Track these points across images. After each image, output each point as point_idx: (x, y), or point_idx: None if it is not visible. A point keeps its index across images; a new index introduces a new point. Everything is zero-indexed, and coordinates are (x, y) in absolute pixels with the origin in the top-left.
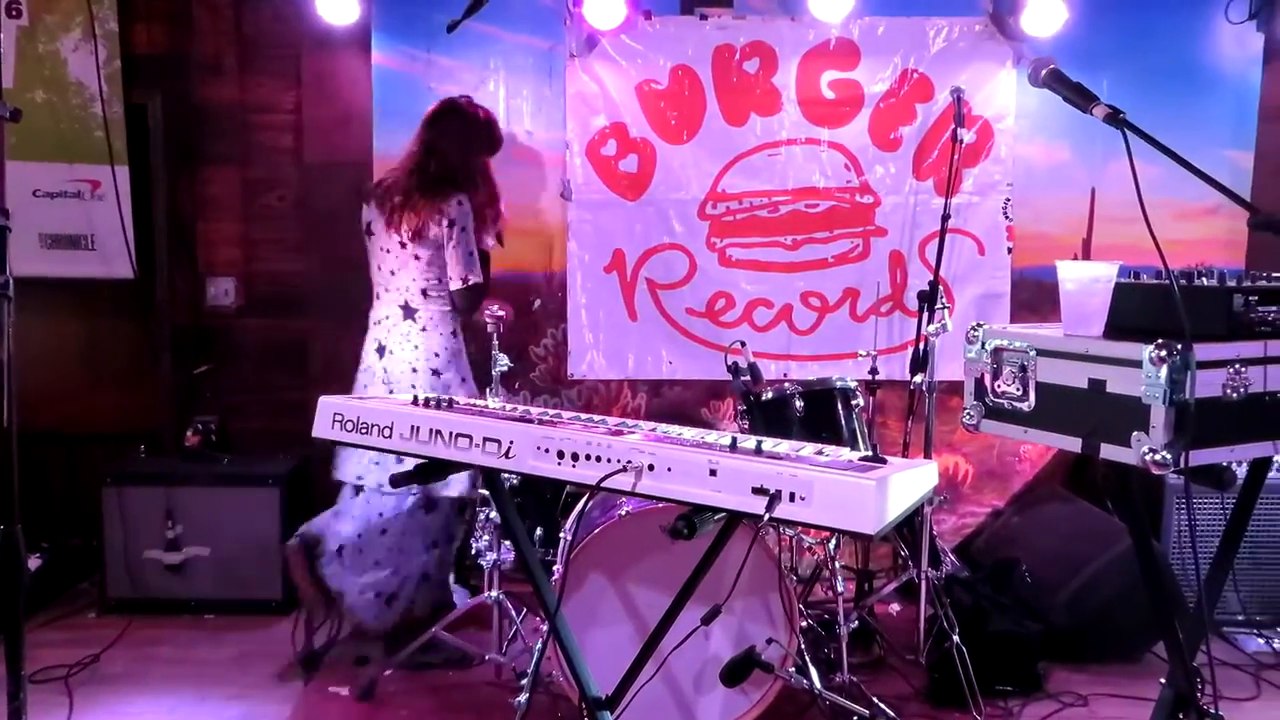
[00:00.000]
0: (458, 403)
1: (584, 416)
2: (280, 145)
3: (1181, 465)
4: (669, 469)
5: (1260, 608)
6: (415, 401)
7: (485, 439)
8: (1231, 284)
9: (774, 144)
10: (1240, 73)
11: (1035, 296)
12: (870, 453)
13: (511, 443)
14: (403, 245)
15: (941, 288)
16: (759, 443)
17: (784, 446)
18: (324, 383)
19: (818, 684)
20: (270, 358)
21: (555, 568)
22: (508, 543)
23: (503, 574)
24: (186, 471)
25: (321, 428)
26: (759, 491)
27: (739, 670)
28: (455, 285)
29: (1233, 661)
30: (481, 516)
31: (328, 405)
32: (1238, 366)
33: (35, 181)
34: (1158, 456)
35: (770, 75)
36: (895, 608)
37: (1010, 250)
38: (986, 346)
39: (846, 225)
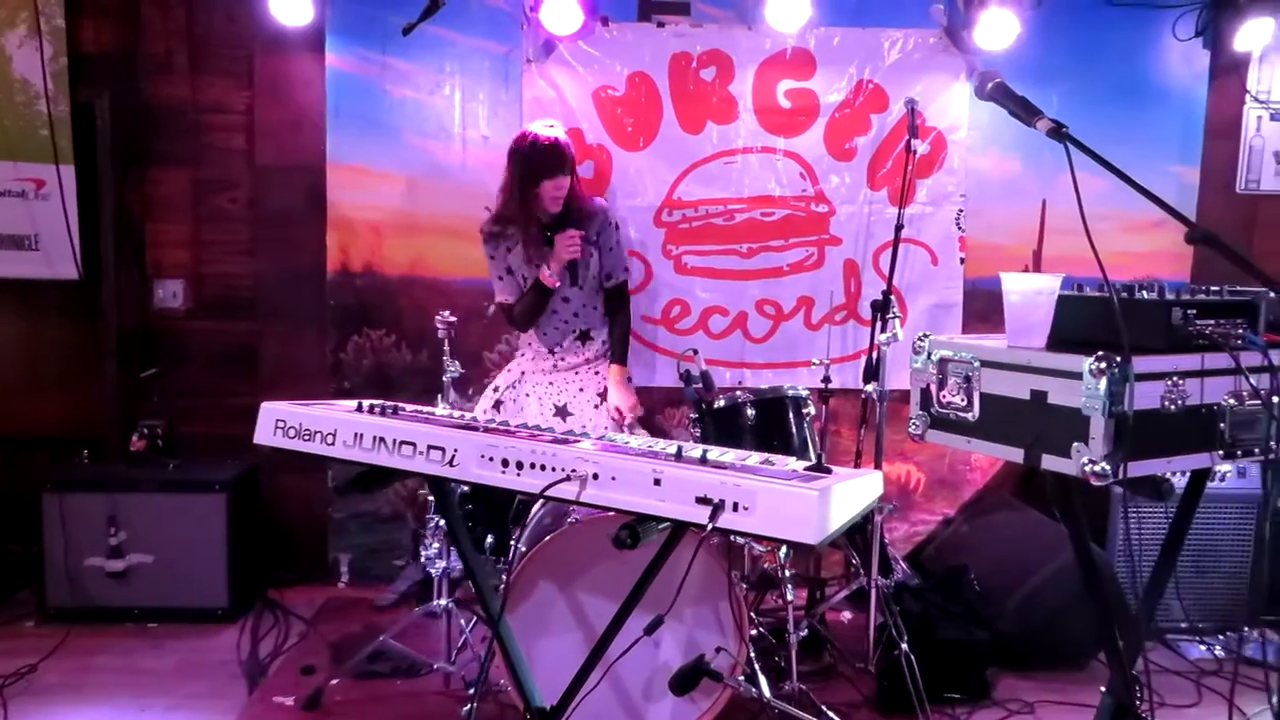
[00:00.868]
0: (404, 409)
1: (532, 424)
2: (232, 146)
3: (1120, 476)
4: (613, 478)
5: (1203, 615)
6: (359, 408)
7: (429, 447)
8: (1171, 297)
9: (730, 152)
10: (1186, 89)
11: (987, 307)
12: (815, 462)
13: (456, 451)
14: None
15: (895, 297)
16: (704, 452)
17: (730, 456)
18: (274, 387)
19: (767, 692)
20: (219, 361)
21: (504, 576)
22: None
23: (453, 582)
24: (131, 477)
25: (263, 434)
26: (703, 501)
27: (688, 679)
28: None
29: (1175, 669)
30: (431, 524)
31: (270, 411)
32: (1176, 379)
33: None
34: (1097, 467)
35: (727, 83)
36: (847, 615)
37: (963, 260)
38: (932, 357)
39: (801, 234)
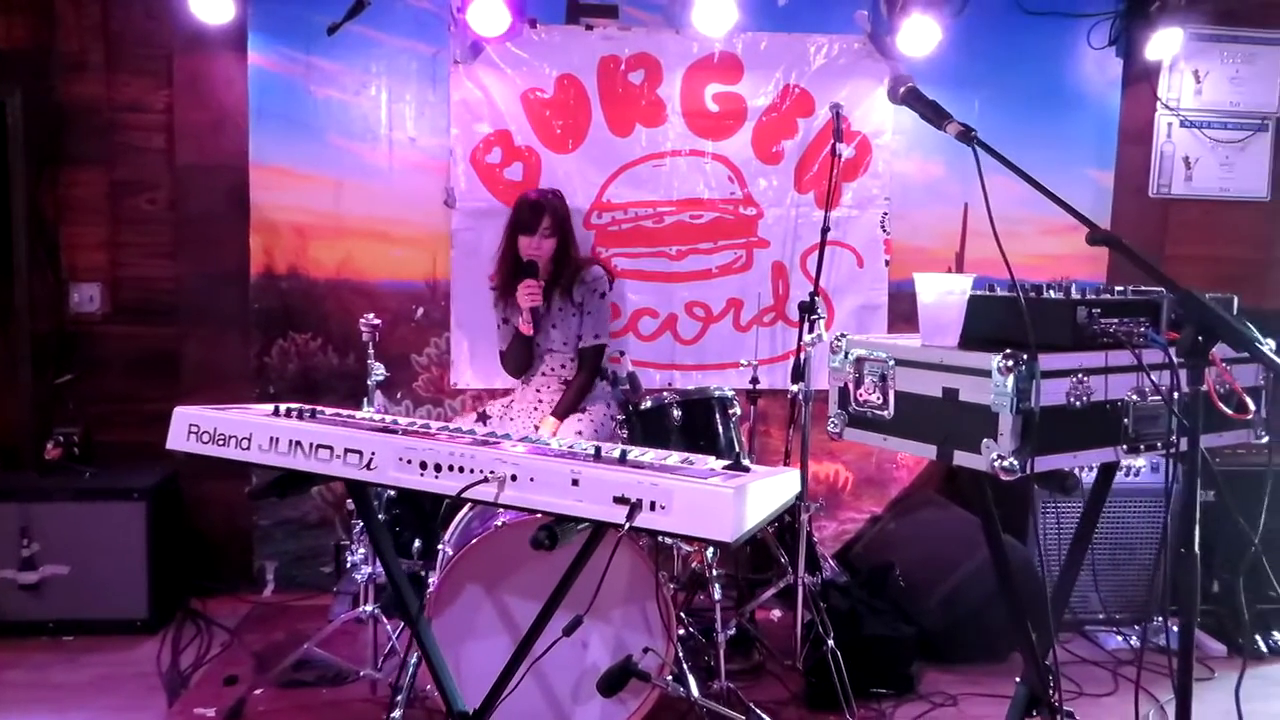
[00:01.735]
0: (322, 413)
1: (453, 426)
2: (150, 146)
3: (1028, 471)
4: (532, 479)
5: (1119, 607)
6: (276, 412)
7: (346, 450)
8: (1077, 297)
9: (659, 155)
10: (1101, 96)
11: (912, 308)
12: (733, 461)
13: (373, 454)
14: None
15: (822, 299)
16: (623, 452)
17: (649, 456)
18: (196, 392)
19: (695, 692)
20: (139, 367)
21: (431, 581)
22: None
23: (378, 587)
24: (44, 486)
25: (176, 439)
26: (620, 501)
27: (616, 680)
28: None
29: (1093, 659)
30: (356, 528)
31: (183, 415)
32: (1081, 376)
33: None
34: (1005, 463)
35: (655, 87)
36: (777, 614)
37: (888, 263)
38: (849, 356)
39: (730, 236)
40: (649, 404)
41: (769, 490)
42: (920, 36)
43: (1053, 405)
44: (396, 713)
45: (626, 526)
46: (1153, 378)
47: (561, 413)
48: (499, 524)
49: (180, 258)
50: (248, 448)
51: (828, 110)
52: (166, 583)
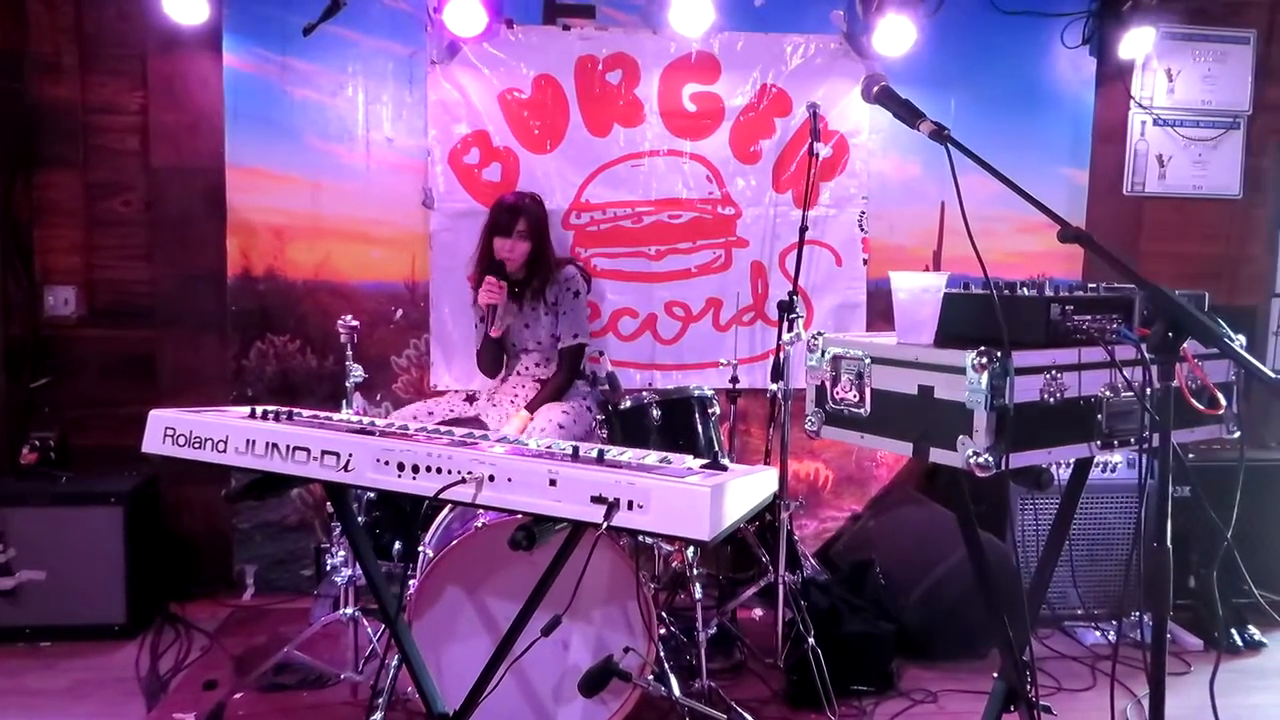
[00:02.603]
0: (300, 414)
1: (430, 428)
2: (125, 148)
3: (1003, 467)
4: (510, 479)
5: (1097, 602)
6: (252, 414)
7: (324, 452)
8: (1050, 294)
9: (637, 155)
10: (1075, 95)
11: (890, 306)
12: (710, 460)
13: (350, 455)
14: None
15: (800, 298)
16: (601, 451)
17: (627, 455)
18: (174, 395)
19: (676, 691)
20: (115, 370)
21: (411, 582)
22: None
23: (359, 590)
24: (20, 491)
25: (152, 442)
26: (598, 500)
27: (597, 680)
28: None
29: (1072, 654)
30: (336, 531)
31: (158, 418)
32: (1054, 372)
33: None
34: (980, 459)
35: (633, 87)
36: (758, 612)
37: (866, 261)
38: (826, 354)
39: (709, 236)
40: (628, 404)
41: (747, 489)
42: (896, 36)
43: (1027, 402)
44: (377, 715)
45: (604, 526)
46: (1125, 374)
47: (533, 406)
48: (479, 525)
49: (156, 260)
50: (224, 450)
51: (805, 110)
52: (145, 587)
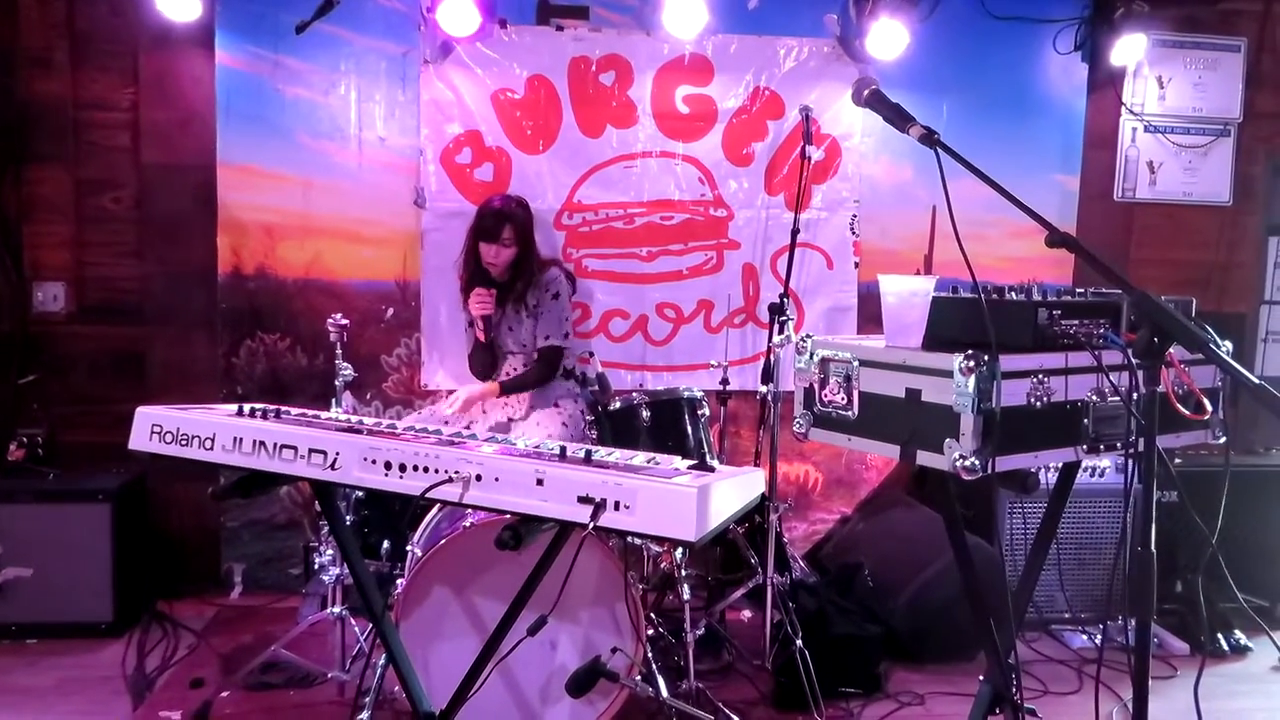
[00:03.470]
0: (288, 413)
1: (418, 427)
2: (116, 145)
3: (989, 470)
4: (496, 479)
5: (1084, 606)
6: (240, 412)
7: (311, 450)
8: (1038, 299)
9: (630, 156)
10: (1067, 101)
11: (881, 310)
12: (698, 461)
13: (338, 454)
14: None
15: (792, 300)
16: (588, 452)
17: (615, 455)
18: (163, 393)
19: (664, 692)
20: (104, 367)
21: (399, 582)
22: None
23: (346, 589)
24: (8, 488)
25: (139, 439)
26: (584, 500)
27: (585, 681)
28: None
29: (1059, 658)
30: (324, 529)
31: (145, 415)
32: (1041, 376)
33: None
34: (967, 462)
35: (626, 88)
36: (747, 614)
37: (857, 265)
38: (814, 357)
39: (701, 238)
40: (618, 405)
41: (734, 490)
42: (889, 40)
43: (1014, 406)
44: (364, 714)
45: (590, 526)
46: (1111, 378)
47: (505, 387)
48: (467, 525)
49: (146, 257)
50: (211, 448)
51: (797, 113)
52: (132, 585)
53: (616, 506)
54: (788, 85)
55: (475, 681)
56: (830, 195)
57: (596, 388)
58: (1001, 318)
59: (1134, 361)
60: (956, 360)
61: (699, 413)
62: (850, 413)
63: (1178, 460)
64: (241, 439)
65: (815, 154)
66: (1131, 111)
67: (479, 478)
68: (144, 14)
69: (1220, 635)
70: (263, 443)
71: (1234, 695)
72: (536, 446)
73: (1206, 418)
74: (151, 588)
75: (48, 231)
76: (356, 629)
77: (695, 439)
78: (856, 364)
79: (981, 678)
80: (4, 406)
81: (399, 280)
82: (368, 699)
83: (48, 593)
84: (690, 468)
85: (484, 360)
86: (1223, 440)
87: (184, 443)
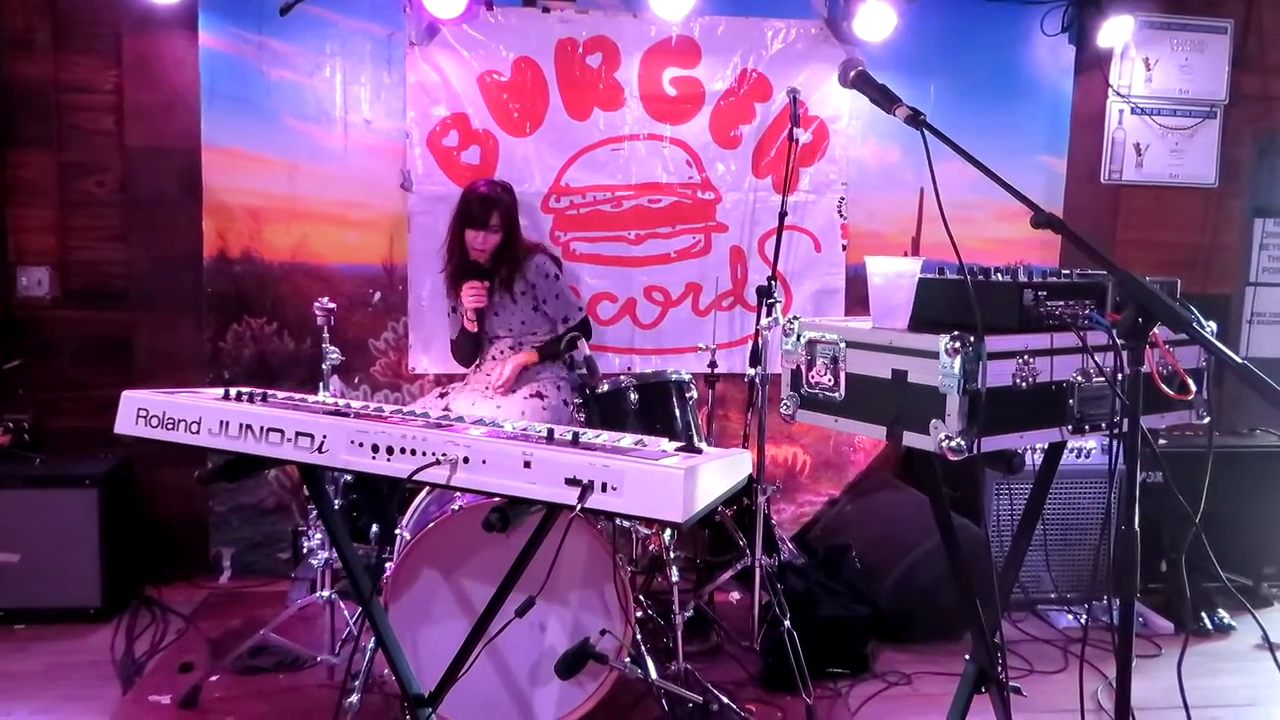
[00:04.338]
0: (274, 396)
1: (406, 410)
2: (100, 128)
3: (974, 451)
4: (484, 461)
5: (1070, 586)
6: (226, 395)
7: (298, 433)
8: (1023, 280)
9: (617, 139)
10: (1054, 83)
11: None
12: (685, 443)
13: (325, 437)
14: None
15: (780, 283)
16: (576, 434)
17: (603, 437)
18: (149, 378)
19: (653, 673)
20: (90, 352)
21: (388, 565)
22: None
23: (335, 572)
24: None
25: (124, 423)
26: (572, 482)
27: (574, 662)
28: None
29: (1045, 637)
30: (313, 513)
31: (131, 399)
32: (1026, 357)
33: None
34: (952, 443)
35: (613, 70)
36: (735, 596)
37: (845, 247)
38: (801, 339)
39: (688, 221)
40: (606, 388)
41: (721, 471)
42: (876, 21)
43: (999, 386)
44: (354, 697)
45: (578, 508)
46: (1096, 359)
47: (538, 350)
48: (456, 507)
49: (131, 241)
50: (197, 431)
51: (785, 95)
52: (120, 570)
53: (604, 488)
54: (775, 67)
55: (464, 664)
56: (818, 178)
57: (584, 370)
58: (987, 299)
59: (1118, 342)
60: (942, 341)
61: (687, 395)
62: (837, 394)
63: (1162, 441)
64: (228, 422)
65: (803, 136)
66: (1118, 93)
67: (466, 460)
68: None
69: (1204, 614)
70: (249, 426)
71: (1217, 673)
72: (524, 429)
73: (1191, 398)
74: (140, 573)
75: (31, 215)
76: (345, 612)
77: (683, 421)
78: (843, 345)
79: (968, 657)
80: None
81: (385, 264)
82: (357, 682)
83: (36, 578)
84: (678, 449)
85: (469, 348)
86: (1207, 420)
87: (170, 427)
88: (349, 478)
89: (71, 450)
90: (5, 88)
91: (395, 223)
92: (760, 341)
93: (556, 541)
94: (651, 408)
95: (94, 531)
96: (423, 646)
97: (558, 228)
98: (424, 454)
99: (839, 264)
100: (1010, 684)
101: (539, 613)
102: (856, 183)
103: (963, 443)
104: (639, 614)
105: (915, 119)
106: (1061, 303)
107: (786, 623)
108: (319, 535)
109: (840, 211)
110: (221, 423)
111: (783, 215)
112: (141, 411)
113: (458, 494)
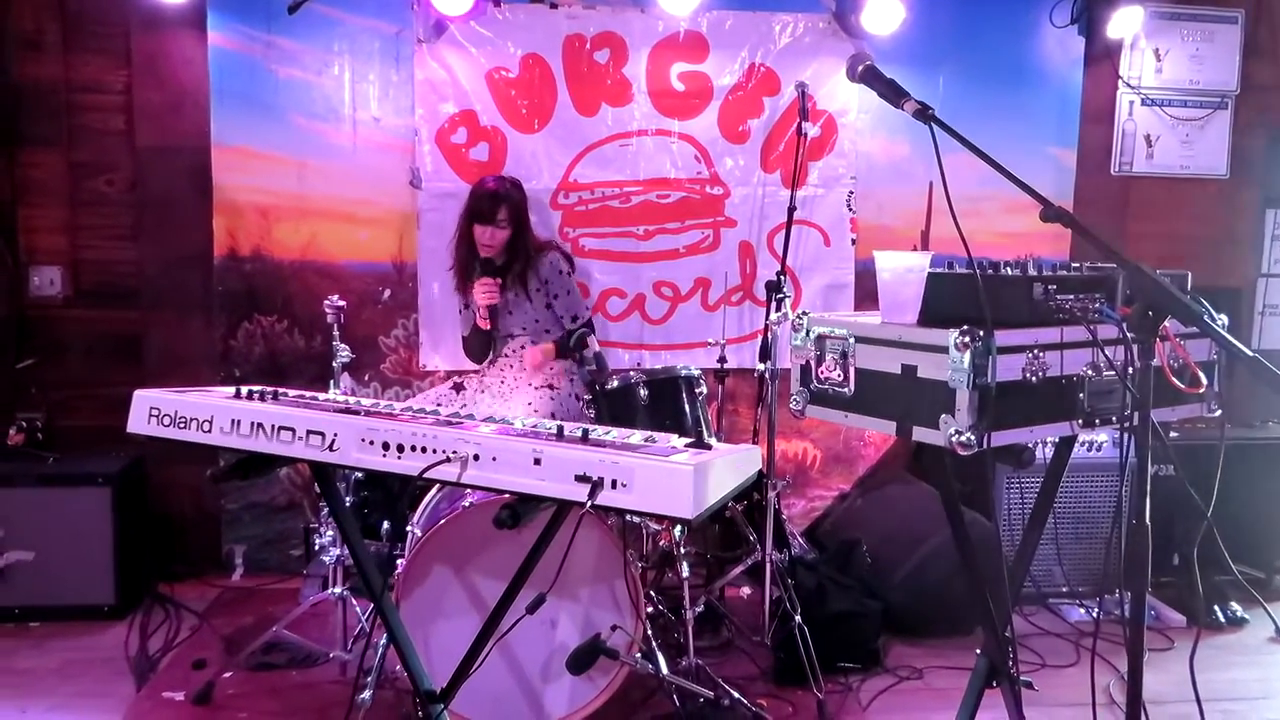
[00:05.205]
0: (285, 394)
1: (416, 407)
2: (110, 128)
3: (985, 445)
4: (494, 458)
5: (1081, 580)
6: (237, 394)
7: (309, 431)
8: (1033, 274)
9: (625, 135)
10: (1064, 74)
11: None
12: (695, 439)
13: (336, 435)
14: None
15: (789, 278)
16: (586, 431)
17: (612, 434)
18: (160, 377)
19: (664, 669)
20: (101, 351)
21: (400, 562)
22: None
23: (347, 569)
24: (7, 472)
25: (137, 422)
26: (582, 479)
27: (584, 658)
28: None
29: (1056, 631)
30: (324, 510)
31: (143, 398)
32: (1036, 351)
33: None
34: (963, 438)
35: (621, 66)
36: (746, 591)
37: (854, 241)
38: (811, 334)
39: (697, 216)
40: (615, 384)
41: (731, 467)
42: (885, 14)
43: (1009, 381)
44: (366, 694)
45: (588, 505)
46: (1106, 352)
47: (558, 343)
48: (466, 504)
49: (142, 240)
50: (209, 430)
51: (793, 89)
52: (133, 568)
53: (614, 485)
54: (783, 61)
55: (475, 660)
56: (827, 172)
57: (594, 367)
58: (997, 293)
59: (1129, 335)
60: (952, 336)
61: (696, 391)
62: (846, 389)
63: (1174, 434)
64: (239, 421)
65: (811, 131)
66: (1128, 84)
67: (476, 457)
68: None
69: (1216, 607)
70: (261, 425)
71: (1230, 666)
72: (534, 426)
73: (1202, 391)
74: (153, 570)
75: (43, 215)
76: (358, 609)
77: (693, 417)
78: (852, 340)
79: (979, 651)
80: (2, 391)
81: (395, 261)
82: (369, 678)
83: (49, 576)
84: (687, 445)
85: (481, 345)
86: (1218, 413)
87: (182, 425)
88: (360, 475)
89: (84, 449)
90: (15, 88)
91: (405, 220)
92: (769, 336)
93: (567, 538)
94: (661, 403)
95: (107, 529)
96: (434, 643)
97: (566, 224)
98: (435, 451)
99: (848, 258)
100: (1022, 678)
101: (550, 609)
102: (865, 177)
103: (973, 437)
104: (649, 609)
105: (923, 113)
106: (1071, 296)
107: (797, 618)
108: (330, 532)
109: (849, 206)
110: (233, 421)
111: (791, 210)
112: (154, 410)
113: (468, 491)
